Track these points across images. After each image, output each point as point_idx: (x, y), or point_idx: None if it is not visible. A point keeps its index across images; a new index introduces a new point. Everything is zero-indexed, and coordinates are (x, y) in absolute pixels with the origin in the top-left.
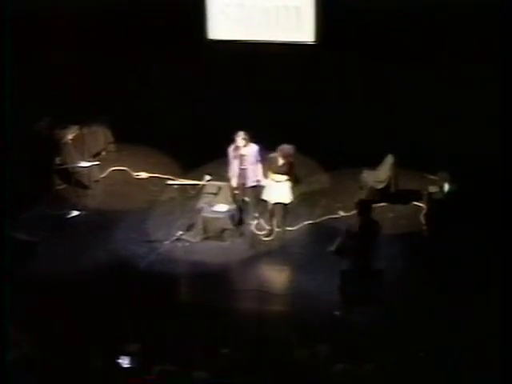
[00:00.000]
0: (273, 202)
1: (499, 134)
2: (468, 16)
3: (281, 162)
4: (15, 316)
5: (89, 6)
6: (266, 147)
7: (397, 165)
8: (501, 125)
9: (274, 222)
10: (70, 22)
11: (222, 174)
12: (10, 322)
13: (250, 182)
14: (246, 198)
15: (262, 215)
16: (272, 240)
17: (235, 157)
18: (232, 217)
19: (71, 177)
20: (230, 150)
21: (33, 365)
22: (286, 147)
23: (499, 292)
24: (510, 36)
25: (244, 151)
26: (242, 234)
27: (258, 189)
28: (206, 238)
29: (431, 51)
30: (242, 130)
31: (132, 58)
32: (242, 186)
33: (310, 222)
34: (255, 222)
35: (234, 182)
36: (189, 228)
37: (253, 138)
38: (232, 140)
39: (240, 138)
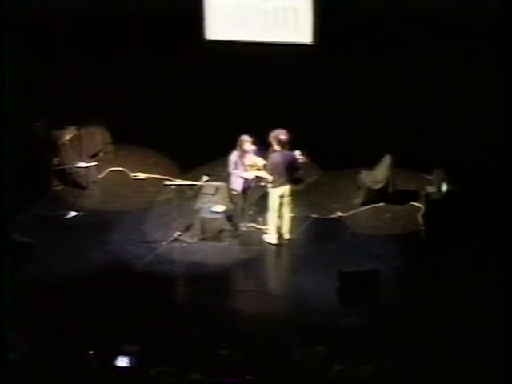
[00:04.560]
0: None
1: (497, 134)
2: (467, 17)
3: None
4: (13, 317)
5: (87, 6)
6: (264, 148)
7: (394, 165)
8: (499, 125)
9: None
10: (68, 22)
11: (219, 175)
12: (10, 323)
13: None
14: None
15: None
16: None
17: (241, 163)
18: (229, 217)
19: (69, 177)
20: (235, 157)
21: (32, 365)
22: (279, 131)
23: (498, 292)
24: (511, 36)
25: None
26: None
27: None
28: (204, 239)
29: (429, 51)
30: (239, 130)
31: (130, 59)
32: (247, 190)
33: (308, 222)
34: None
35: (239, 187)
36: (186, 229)
37: (252, 139)
38: (228, 141)
39: (248, 142)
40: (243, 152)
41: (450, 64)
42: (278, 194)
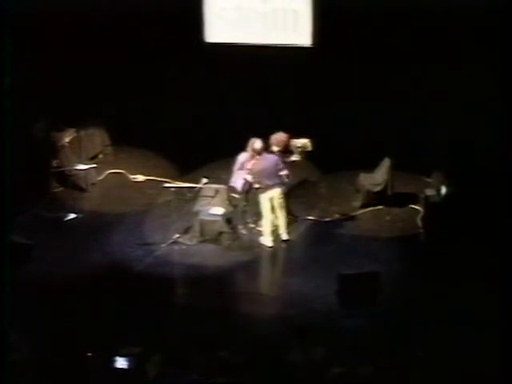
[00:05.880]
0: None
1: (497, 137)
2: (467, 17)
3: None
4: (13, 318)
5: (87, 8)
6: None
7: (393, 168)
8: (499, 127)
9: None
10: (68, 23)
11: (219, 177)
12: (11, 324)
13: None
14: (244, 203)
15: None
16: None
17: (246, 165)
18: (229, 220)
19: (68, 179)
20: (243, 158)
21: (32, 366)
22: (279, 135)
23: (497, 294)
24: (511, 37)
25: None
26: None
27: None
28: (203, 241)
29: (429, 53)
30: (238, 133)
31: (130, 61)
32: (247, 192)
33: (307, 224)
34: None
35: (239, 187)
36: (186, 231)
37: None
38: (228, 143)
39: (259, 145)
40: (252, 155)
41: (450, 65)
42: (268, 198)
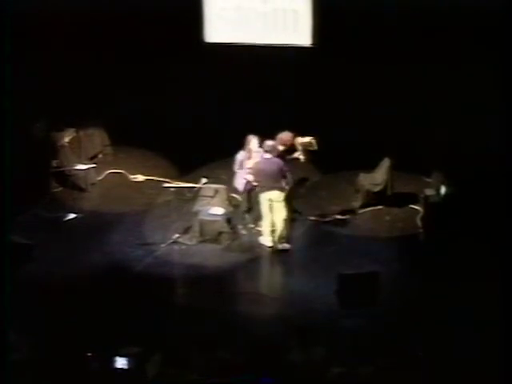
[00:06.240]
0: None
1: (496, 137)
2: (467, 18)
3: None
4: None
5: (87, 8)
6: None
7: (393, 168)
8: (499, 127)
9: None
10: (68, 23)
11: (218, 177)
12: (11, 324)
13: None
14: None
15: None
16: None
17: (246, 164)
18: (228, 220)
19: (68, 179)
20: (241, 157)
21: (31, 366)
22: (285, 134)
23: (497, 294)
24: (511, 37)
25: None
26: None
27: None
28: (203, 241)
29: (429, 53)
30: (238, 132)
31: (130, 61)
32: (249, 191)
33: (307, 224)
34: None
35: (241, 188)
36: (185, 231)
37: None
38: (228, 143)
39: (255, 143)
40: (249, 152)
41: (450, 65)
42: (266, 198)
